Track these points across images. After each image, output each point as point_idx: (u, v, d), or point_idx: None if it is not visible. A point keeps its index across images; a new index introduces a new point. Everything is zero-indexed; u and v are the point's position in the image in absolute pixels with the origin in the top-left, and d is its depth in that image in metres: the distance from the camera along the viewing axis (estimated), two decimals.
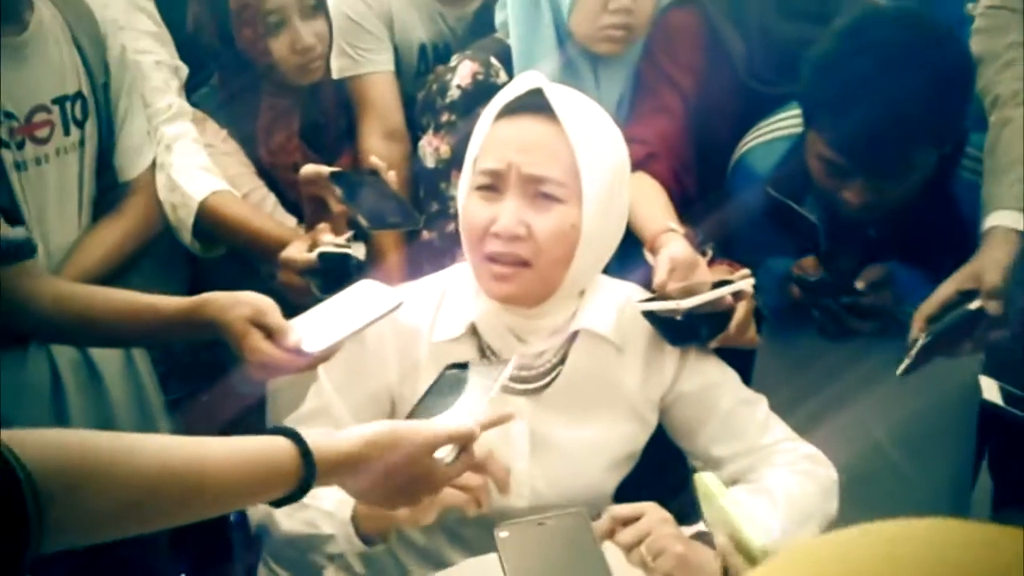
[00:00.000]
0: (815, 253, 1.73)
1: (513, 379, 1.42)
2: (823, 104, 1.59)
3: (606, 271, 1.50)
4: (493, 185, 1.38)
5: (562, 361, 1.46)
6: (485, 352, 1.45)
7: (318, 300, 1.38)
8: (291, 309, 1.35)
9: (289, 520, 1.32)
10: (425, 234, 1.83)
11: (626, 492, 1.49)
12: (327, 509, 1.29)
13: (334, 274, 1.55)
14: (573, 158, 1.35)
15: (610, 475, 1.49)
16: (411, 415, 1.21)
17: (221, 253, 1.84)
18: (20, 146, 1.56)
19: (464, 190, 1.42)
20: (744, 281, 1.48)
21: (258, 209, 1.85)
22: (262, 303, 1.30)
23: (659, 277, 1.49)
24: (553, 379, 1.45)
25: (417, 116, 1.93)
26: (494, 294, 1.40)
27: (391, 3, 2.04)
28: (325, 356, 1.30)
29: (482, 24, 2.03)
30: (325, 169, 1.65)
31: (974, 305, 1.51)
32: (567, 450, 1.45)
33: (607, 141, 1.40)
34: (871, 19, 1.61)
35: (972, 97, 1.64)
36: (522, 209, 1.36)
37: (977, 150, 1.68)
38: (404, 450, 1.07)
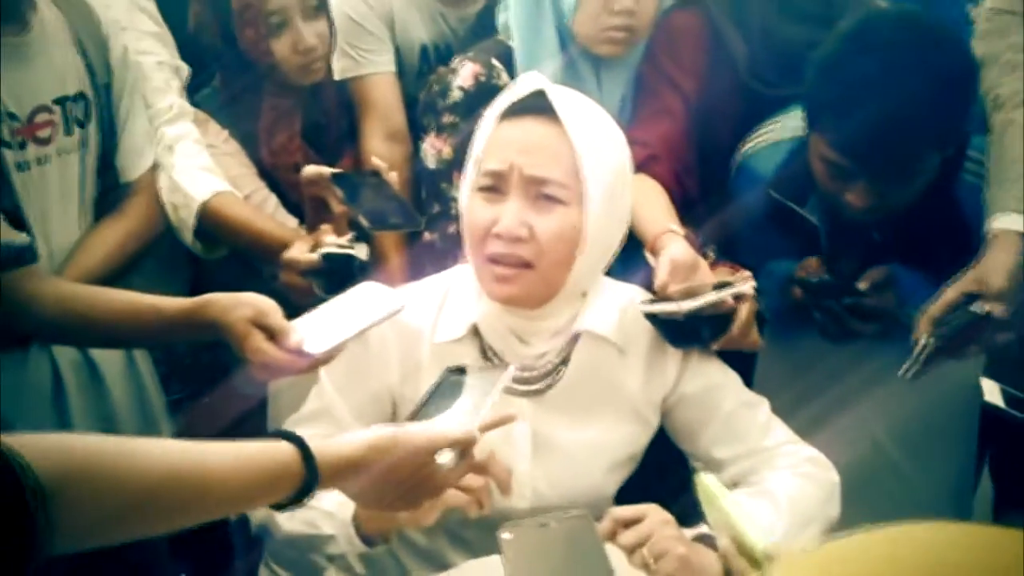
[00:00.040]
0: (817, 255, 1.73)
1: (515, 380, 1.42)
2: (827, 106, 1.59)
3: (608, 273, 1.50)
4: (495, 186, 1.38)
5: (564, 362, 1.46)
6: (487, 353, 1.45)
7: (320, 301, 1.38)
8: (293, 310, 1.35)
9: (290, 521, 1.32)
10: (426, 235, 1.84)
11: (628, 494, 1.49)
12: (328, 509, 1.30)
13: (337, 275, 1.55)
14: (575, 160, 1.35)
15: (611, 476, 1.48)
16: (411, 418, 1.21)
17: (223, 254, 1.85)
18: (22, 146, 1.56)
19: (466, 191, 1.42)
20: (745, 283, 1.48)
21: (260, 210, 1.85)
22: (264, 304, 1.30)
23: (660, 279, 1.49)
24: (555, 380, 1.45)
25: (419, 117, 1.93)
26: (496, 295, 1.40)
27: (392, 4, 2.04)
28: (327, 357, 1.30)
29: (484, 25, 2.03)
30: (327, 170, 1.65)
31: (979, 308, 1.51)
32: (569, 451, 1.45)
33: (609, 143, 1.40)
34: (875, 21, 1.61)
35: (975, 99, 1.64)
36: (524, 210, 1.36)
37: (979, 153, 1.68)
38: (405, 454, 1.07)
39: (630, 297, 1.50)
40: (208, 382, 1.83)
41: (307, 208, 1.72)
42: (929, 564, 0.45)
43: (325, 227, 1.62)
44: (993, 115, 1.66)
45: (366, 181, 1.68)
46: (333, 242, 1.59)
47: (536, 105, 1.37)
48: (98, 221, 1.71)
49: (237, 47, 1.87)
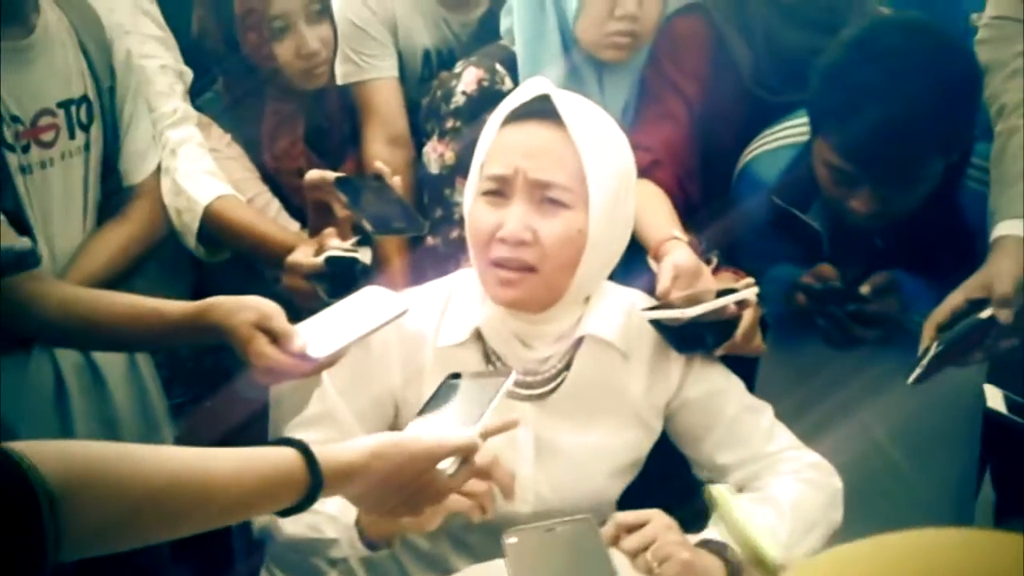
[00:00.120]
0: (819, 261, 1.73)
1: (518, 385, 1.42)
2: (831, 112, 1.59)
3: (610, 278, 1.50)
4: (500, 190, 1.38)
5: (567, 367, 1.46)
6: (490, 357, 1.45)
7: (324, 304, 1.38)
8: (296, 314, 1.34)
9: (293, 525, 1.32)
10: (429, 240, 1.84)
11: (631, 500, 1.49)
12: (331, 513, 1.29)
13: (341, 278, 1.55)
14: (580, 164, 1.35)
15: (614, 481, 1.48)
16: (413, 424, 1.20)
17: (225, 258, 1.84)
18: (25, 150, 1.56)
19: (470, 195, 1.42)
20: (748, 290, 1.48)
21: (263, 214, 1.85)
22: (267, 307, 1.30)
23: (662, 285, 1.49)
24: (558, 385, 1.45)
25: (421, 122, 1.93)
26: (500, 299, 1.40)
27: (395, 9, 2.04)
28: (330, 361, 1.30)
29: (486, 30, 2.03)
30: (330, 174, 1.65)
31: (985, 314, 1.51)
32: (572, 456, 1.45)
33: (614, 147, 1.40)
34: (880, 28, 1.61)
35: (980, 106, 1.64)
36: (528, 214, 1.35)
37: (982, 159, 1.68)
38: (407, 460, 1.07)
39: (633, 302, 1.50)
40: (210, 386, 1.83)
41: (310, 212, 1.72)
42: (934, 570, 0.45)
43: (329, 231, 1.62)
44: (997, 122, 1.66)
45: (369, 185, 1.68)
46: (337, 246, 1.59)
47: (540, 109, 1.37)
48: (101, 224, 1.71)
49: (240, 51, 1.87)
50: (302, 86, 1.90)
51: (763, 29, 1.81)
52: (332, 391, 1.44)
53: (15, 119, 1.55)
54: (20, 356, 1.56)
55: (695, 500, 1.49)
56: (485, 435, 1.17)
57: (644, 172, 1.66)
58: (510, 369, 1.41)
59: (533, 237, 1.35)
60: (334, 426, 1.42)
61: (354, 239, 1.63)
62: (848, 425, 1.72)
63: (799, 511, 1.38)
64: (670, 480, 1.53)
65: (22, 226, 1.49)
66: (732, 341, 1.48)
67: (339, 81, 2.01)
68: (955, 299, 1.56)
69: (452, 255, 1.78)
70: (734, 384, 1.51)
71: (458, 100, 1.82)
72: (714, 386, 1.49)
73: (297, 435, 1.04)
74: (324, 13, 1.89)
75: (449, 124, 1.83)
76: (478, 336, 1.45)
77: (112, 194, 1.73)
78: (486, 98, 1.76)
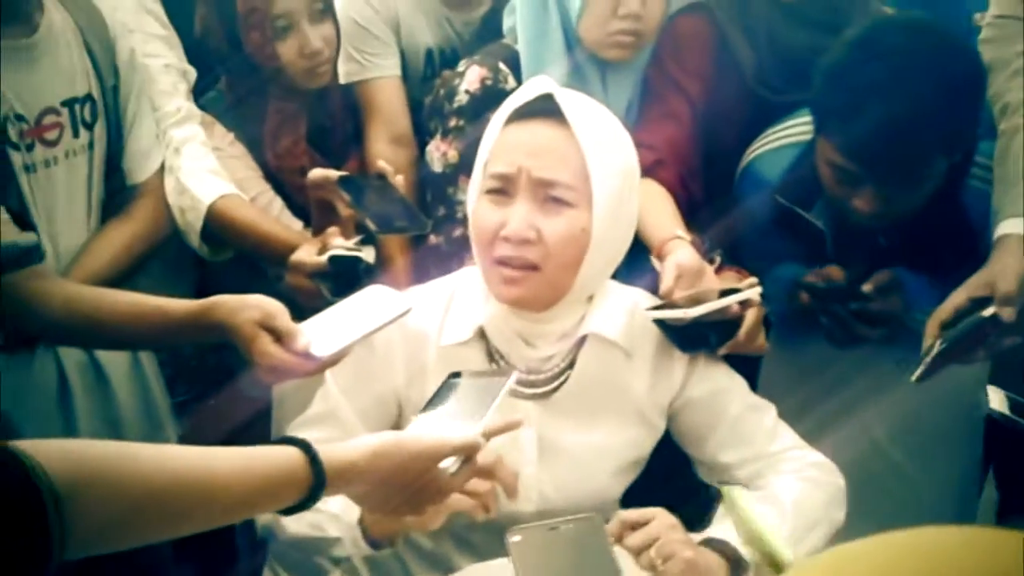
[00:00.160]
0: (822, 260, 1.73)
1: (521, 383, 1.42)
2: (835, 111, 1.59)
3: (613, 277, 1.50)
4: (503, 189, 1.38)
5: (570, 366, 1.46)
6: (493, 356, 1.45)
7: (327, 303, 1.38)
8: (299, 312, 1.35)
9: (296, 523, 1.32)
10: (432, 238, 1.84)
11: (633, 499, 1.49)
12: (334, 512, 1.29)
13: (344, 277, 1.55)
14: (583, 162, 1.35)
15: (617, 480, 1.48)
16: (415, 423, 1.21)
17: (229, 256, 1.85)
18: (29, 148, 1.57)
19: (474, 194, 1.42)
20: (751, 290, 1.48)
21: (266, 213, 1.85)
22: (271, 306, 1.30)
23: (665, 284, 1.49)
24: (561, 384, 1.45)
25: (425, 121, 1.93)
26: (503, 297, 1.40)
27: (398, 8, 2.05)
28: (334, 360, 1.30)
29: (489, 29, 2.03)
30: (333, 173, 1.66)
31: (988, 312, 1.51)
32: (575, 455, 1.45)
33: (617, 145, 1.40)
34: (883, 27, 1.62)
35: (984, 105, 1.64)
36: (532, 213, 1.35)
37: (986, 158, 1.68)
38: (410, 459, 1.08)
39: (636, 300, 1.50)
40: (214, 384, 1.83)
41: (313, 211, 1.72)
42: (937, 568, 0.45)
43: (332, 230, 1.62)
44: (1001, 120, 1.66)
45: (372, 184, 1.68)
46: (340, 245, 1.59)
47: (544, 108, 1.37)
48: (105, 223, 1.71)
49: (243, 50, 1.87)
50: (305, 85, 1.90)
51: (766, 28, 1.81)
52: (335, 390, 1.44)
53: (19, 118, 1.55)
54: (24, 355, 1.57)
55: (697, 499, 1.49)
56: (488, 435, 1.17)
57: (647, 171, 1.66)
58: (513, 368, 1.41)
59: (537, 236, 1.35)
60: (337, 425, 1.42)
61: (357, 238, 1.63)
62: (851, 424, 1.72)
63: (801, 509, 1.38)
64: (673, 479, 1.53)
65: (26, 224, 1.49)
66: (735, 340, 1.48)
67: (342, 80, 2.01)
68: (958, 297, 1.56)
69: (455, 254, 1.78)
70: (737, 383, 1.51)
71: (461, 99, 1.82)
72: (717, 385, 1.49)
73: (300, 434, 1.04)
74: (327, 12, 1.89)
75: (452, 123, 1.83)
76: (481, 335, 1.45)
77: (116, 193, 1.73)
78: (489, 97, 1.76)
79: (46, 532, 0.77)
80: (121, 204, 1.73)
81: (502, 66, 1.83)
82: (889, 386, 1.65)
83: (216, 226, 1.76)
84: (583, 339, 1.45)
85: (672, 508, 1.30)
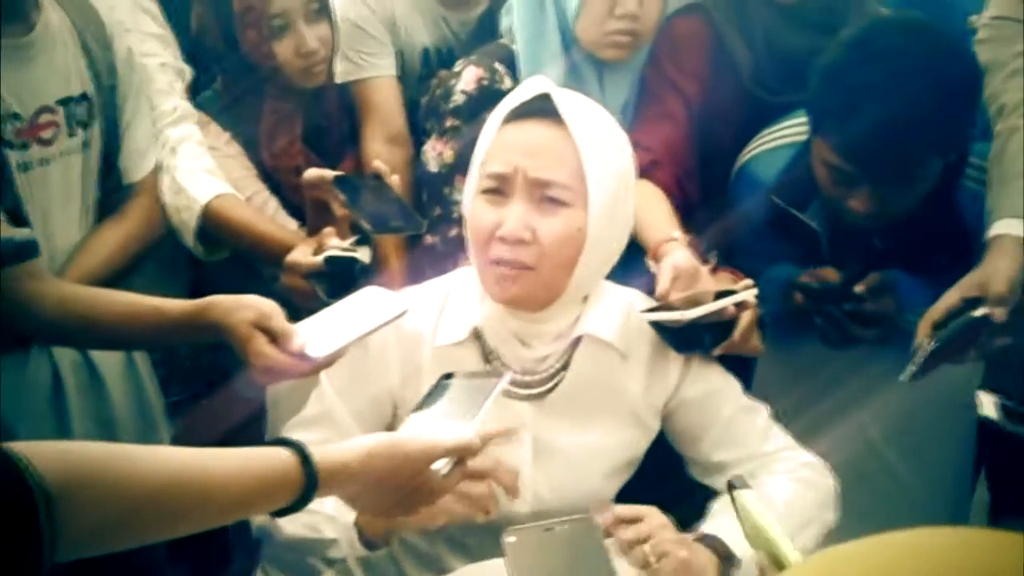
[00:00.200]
0: (818, 261, 1.73)
1: (516, 384, 1.42)
2: (831, 111, 1.59)
3: (609, 278, 1.50)
4: (499, 189, 1.38)
5: (565, 367, 1.46)
6: (488, 357, 1.45)
7: (322, 304, 1.38)
8: (294, 313, 1.34)
9: (291, 524, 1.32)
10: (428, 238, 1.84)
11: (627, 499, 1.49)
12: (329, 513, 1.29)
13: (340, 278, 1.55)
14: (579, 162, 1.35)
15: (611, 481, 1.48)
16: (407, 424, 1.20)
17: (224, 256, 1.84)
18: (25, 147, 1.56)
19: (470, 194, 1.42)
20: (747, 292, 1.48)
21: (261, 212, 1.85)
22: (266, 307, 1.29)
23: (662, 286, 1.49)
24: (556, 384, 1.45)
25: (421, 121, 1.93)
26: (498, 296, 1.40)
27: (394, 7, 2.04)
28: (329, 361, 1.30)
29: (485, 29, 2.03)
30: (328, 173, 1.65)
31: (980, 312, 1.52)
32: (569, 455, 1.45)
33: (614, 146, 1.41)
34: (879, 28, 1.62)
35: (979, 106, 1.65)
36: (528, 213, 1.35)
37: (980, 159, 1.69)
38: (402, 461, 1.07)
39: (631, 301, 1.50)
40: (208, 384, 1.83)
41: (308, 211, 1.72)
42: (931, 569, 0.45)
43: (328, 230, 1.62)
44: (997, 122, 1.66)
45: (367, 184, 1.68)
46: (336, 245, 1.59)
47: (541, 108, 1.38)
48: (100, 222, 1.71)
49: (239, 50, 1.87)
50: (301, 84, 1.90)
51: (763, 30, 1.81)
52: (330, 391, 1.44)
53: (15, 116, 1.55)
54: (18, 354, 1.56)
55: (691, 499, 1.49)
56: (485, 440, 1.17)
57: (643, 172, 1.67)
58: (507, 368, 1.41)
59: (532, 236, 1.35)
60: (332, 426, 1.41)
61: (353, 239, 1.63)
62: (845, 425, 1.73)
63: (793, 509, 1.38)
64: (666, 479, 1.54)
65: (21, 223, 1.48)
66: (730, 341, 1.48)
67: (338, 79, 2.00)
68: (951, 297, 1.56)
69: (451, 254, 1.78)
70: (731, 384, 1.51)
71: (457, 99, 1.82)
72: (712, 386, 1.49)
73: (294, 436, 1.04)
74: (323, 12, 1.89)
75: (448, 123, 1.83)
76: (477, 335, 1.45)
77: (111, 192, 1.73)
78: (486, 97, 1.76)
79: (38, 534, 0.77)
80: (117, 203, 1.73)
81: (499, 66, 1.83)
82: (883, 387, 1.65)
83: (211, 226, 1.76)
84: (578, 340, 1.45)
85: (665, 508, 1.30)
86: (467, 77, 1.83)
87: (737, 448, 1.47)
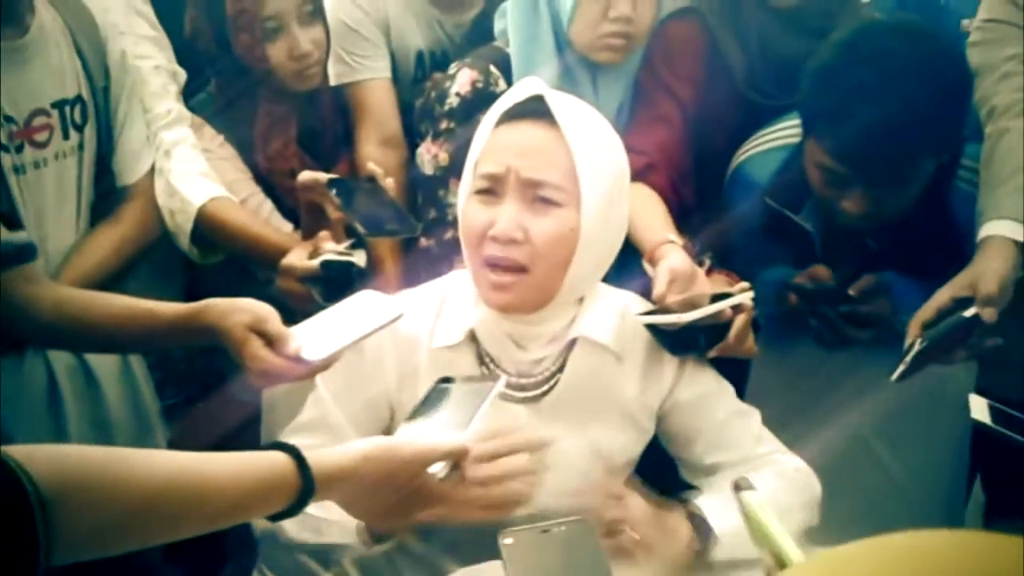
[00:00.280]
0: (812, 262, 1.73)
1: (512, 387, 1.42)
2: (823, 113, 1.60)
3: (605, 281, 1.50)
4: (492, 189, 1.38)
5: (561, 369, 1.46)
6: (484, 359, 1.45)
7: (318, 307, 1.38)
8: (289, 316, 1.34)
9: (298, 529, 1.32)
10: (423, 241, 1.84)
11: None
12: (336, 517, 1.29)
13: (336, 282, 1.55)
14: (572, 163, 1.35)
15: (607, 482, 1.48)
16: (403, 428, 1.20)
17: (218, 259, 1.84)
18: (19, 150, 1.56)
19: (464, 195, 1.42)
20: (744, 294, 1.49)
21: (256, 216, 1.85)
22: (262, 310, 1.29)
23: (658, 289, 1.49)
24: (552, 387, 1.45)
25: (415, 123, 1.93)
26: (492, 303, 1.40)
27: (388, 10, 2.04)
28: (325, 365, 1.30)
29: (479, 32, 2.03)
30: (323, 176, 1.65)
31: (969, 312, 1.52)
32: (566, 458, 1.45)
33: (607, 147, 1.41)
34: (871, 30, 1.63)
35: (970, 108, 1.65)
36: (520, 213, 1.36)
37: (973, 161, 1.69)
38: (399, 465, 1.07)
39: (627, 304, 1.50)
40: (203, 387, 1.83)
41: (303, 214, 1.71)
42: (929, 571, 0.46)
43: (324, 234, 1.62)
44: (988, 123, 1.67)
45: (362, 187, 1.68)
46: (332, 249, 1.59)
47: (534, 109, 1.38)
48: (95, 225, 1.71)
49: (232, 52, 1.87)
50: (295, 87, 1.90)
51: (757, 33, 1.81)
52: (326, 396, 1.44)
53: (9, 119, 1.55)
54: (14, 358, 1.56)
55: (680, 498, 1.49)
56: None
57: (638, 175, 1.67)
58: (502, 371, 1.42)
59: (524, 236, 1.35)
60: (329, 431, 1.41)
61: (348, 242, 1.63)
62: (840, 426, 1.73)
63: (775, 502, 1.38)
64: (660, 480, 1.54)
65: (15, 226, 1.48)
66: (725, 343, 1.48)
67: (332, 82, 2.00)
68: (941, 297, 1.57)
69: (446, 256, 1.78)
70: (724, 388, 1.52)
71: (452, 101, 1.82)
72: (706, 389, 1.50)
73: (291, 441, 1.04)
74: (316, 14, 1.89)
75: (443, 125, 1.83)
76: (472, 338, 1.45)
77: (106, 195, 1.73)
78: (480, 99, 1.76)
79: (34, 537, 0.77)
80: (111, 206, 1.73)
81: (493, 69, 1.83)
82: (878, 388, 1.65)
83: (206, 229, 1.76)
84: (573, 342, 1.45)
85: None
86: (461, 80, 1.83)
87: (730, 451, 1.48)
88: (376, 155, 1.91)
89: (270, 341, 1.27)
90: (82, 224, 1.69)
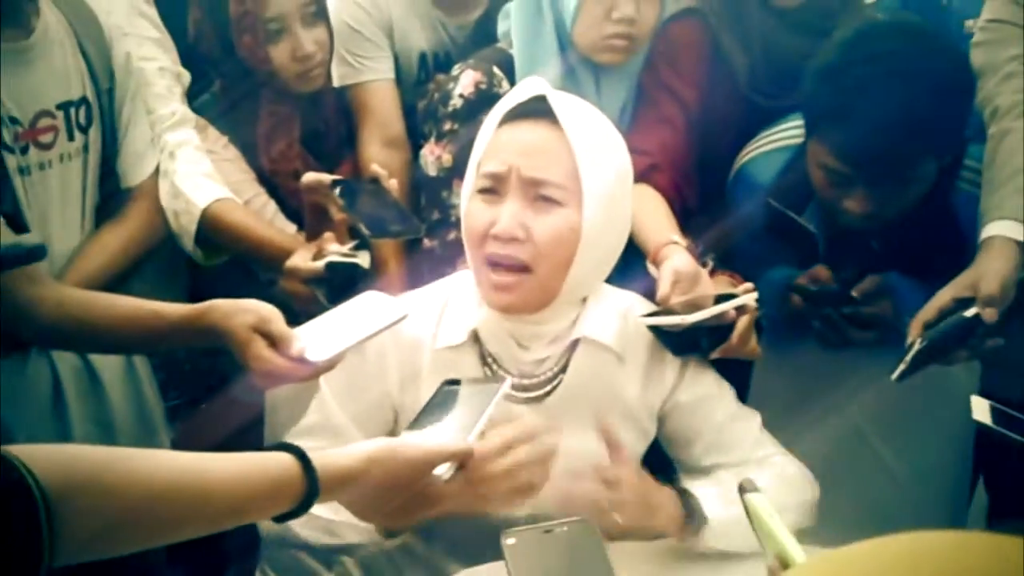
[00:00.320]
0: (815, 264, 1.73)
1: (515, 387, 1.42)
2: (826, 113, 1.60)
3: (609, 281, 1.50)
4: (494, 188, 1.38)
5: (563, 370, 1.46)
6: (486, 359, 1.45)
7: (322, 309, 1.38)
8: (292, 317, 1.34)
9: (311, 532, 1.32)
10: (426, 242, 1.84)
11: None
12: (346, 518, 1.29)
13: (340, 283, 1.55)
14: (574, 162, 1.36)
15: None
16: (409, 430, 1.20)
17: (222, 261, 1.84)
18: (24, 151, 1.57)
19: (467, 194, 1.43)
20: (747, 296, 1.49)
21: (260, 217, 1.85)
22: (266, 311, 1.29)
23: (662, 290, 1.49)
24: (554, 388, 1.45)
25: (419, 124, 1.93)
26: (495, 304, 1.40)
27: (391, 11, 2.05)
28: (329, 365, 1.29)
29: (482, 33, 2.04)
30: (326, 177, 1.65)
31: (970, 312, 1.52)
32: (568, 458, 1.45)
33: (608, 146, 1.41)
34: (873, 30, 1.63)
35: (972, 108, 1.65)
36: (522, 212, 1.36)
37: (975, 162, 1.69)
38: (404, 467, 1.07)
39: (630, 304, 1.50)
40: (207, 388, 1.83)
41: (307, 215, 1.71)
42: (932, 572, 0.46)
43: (328, 235, 1.62)
44: (991, 124, 1.67)
45: (366, 188, 1.68)
46: (336, 251, 1.59)
47: (537, 109, 1.38)
48: (99, 226, 1.71)
49: (236, 54, 1.87)
50: (298, 88, 1.90)
51: (760, 34, 1.81)
52: (330, 398, 1.44)
53: (14, 120, 1.55)
54: (18, 359, 1.57)
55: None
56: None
57: (642, 176, 1.67)
58: (505, 372, 1.42)
59: (525, 234, 1.35)
60: (333, 434, 1.41)
61: (352, 243, 1.63)
62: (843, 427, 1.73)
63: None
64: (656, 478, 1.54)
65: (20, 228, 1.48)
66: (728, 344, 1.48)
67: (335, 83, 2.00)
68: (943, 297, 1.57)
69: (449, 257, 1.78)
70: (725, 390, 1.52)
71: (455, 103, 1.83)
72: (706, 391, 1.50)
73: (296, 443, 1.04)
74: (319, 15, 1.89)
75: (446, 127, 1.83)
76: (475, 338, 1.45)
77: (110, 196, 1.73)
78: (483, 101, 1.76)
79: (37, 537, 0.77)
80: (115, 207, 1.73)
81: (496, 70, 1.84)
82: (881, 389, 1.65)
83: (210, 230, 1.76)
84: (576, 343, 1.45)
85: None
86: (465, 81, 1.83)
87: (729, 453, 1.48)
88: (380, 156, 1.91)
89: (274, 342, 1.27)
90: (87, 225, 1.69)
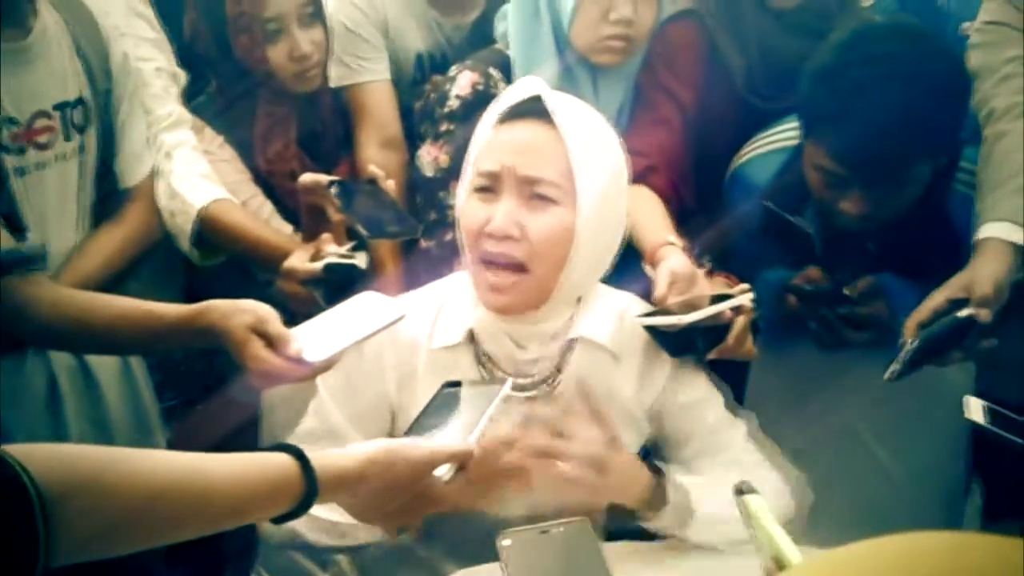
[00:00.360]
0: (811, 264, 1.74)
1: (513, 387, 1.42)
2: (822, 115, 1.60)
3: (605, 282, 1.50)
4: (490, 187, 1.39)
5: (560, 369, 1.46)
6: (482, 359, 1.45)
7: (319, 309, 1.38)
8: (289, 317, 1.35)
9: (317, 534, 1.32)
10: (423, 243, 1.84)
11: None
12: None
13: (338, 284, 1.55)
14: (569, 161, 1.36)
15: None
16: (409, 432, 1.20)
17: (219, 261, 1.84)
18: (21, 151, 1.57)
19: (463, 193, 1.43)
20: (744, 296, 1.49)
21: (257, 217, 1.85)
22: (263, 311, 1.29)
23: (659, 291, 1.50)
24: (551, 387, 1.45)
25: (416, 125, 1.93)
26: (491, 305, 1.40)
27: (388, 12, 2.05)
28: (326, 366, 1.29)
29: (479, 35, 2.04)
30: (324, 178, 1.65)
31: (964, 313, 1.53)
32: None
33: (604, 145, 1.41)
34: (870, 32, 1.63)
35: (968, 110, 1.66)
36: (517, 210, 1.36)
37: (971, 163, 1.70)
38: (403, 468, 1.07)
39: (626, 304, 1.51)
40: (203, 389, 1.83)
41: (304, 215, 1.72)
42: (928, 573, 0.46)
43: (326, 236, 1.62)
44: (986, 126, 1.67)
45: (363, 189, 1.68)
46: (334, 252, 1.59)
47: (532, 109, 1.38)
48: (96, 227, 1.71)
49: (233, 54, 1.87)
50: (295, 89, 1.90)
51: (756, 35, 1.82)
52: (328, 399, 1.44)
53: (11, 121, 1.55)
54: (14, 359, 1.57)
55: None
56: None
57: (639, 177, 1.67)
58: (501, 372, 1.42)
59: (520, 232, 1.36)
60: (331, 438, 1.41)
61: (350, 244, 1.63)
62: (839, 428, 1.73)
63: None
64: None
65: (17, 228, 1.48)
66: (724, 345, 1.48)
67: (332, 84, 2.00)
68: (937, 298, 1.57)
69: (446, 258, 1.78)
70: (715, 396, 1.51)
71: (452, 103, 1.83)
72: (698, 394, 1.50)
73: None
74: (316, 16, 1.89)
75: (443, 127, 1.84)
76: (471, 338, 1.45)
77: (107, 196, 1.73)
78: (480, 102, 1.75)
79: (33, 537, 0.77)
80: (112, 208, 1.73)
81: (493, 71, 1.84)
82: (876, 390, 1.66)
83: (207, 230, 1.76)
84: (573, 343, 1.46)
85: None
86: (462, 82, 1.83)
87: (718, 455, 1.48)
88: (377, 157, 1.92)
89: (271, 342, 1.27)
90: (83, 226, 1.69)
